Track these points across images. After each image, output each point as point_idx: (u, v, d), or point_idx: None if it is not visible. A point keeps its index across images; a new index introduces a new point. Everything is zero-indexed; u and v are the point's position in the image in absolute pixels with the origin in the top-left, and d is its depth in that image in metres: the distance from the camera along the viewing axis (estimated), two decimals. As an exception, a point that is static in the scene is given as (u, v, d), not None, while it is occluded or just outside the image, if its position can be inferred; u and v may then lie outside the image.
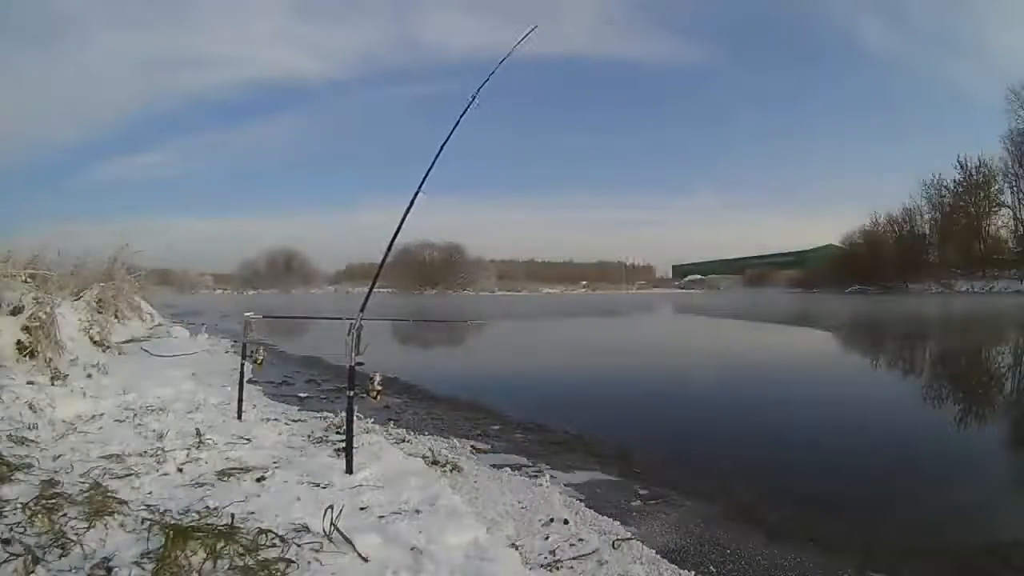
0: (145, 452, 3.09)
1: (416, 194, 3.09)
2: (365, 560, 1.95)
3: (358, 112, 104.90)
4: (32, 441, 3.20)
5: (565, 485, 3.16)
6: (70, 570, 1.78)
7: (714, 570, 2.28)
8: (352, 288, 58.96)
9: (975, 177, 45.68)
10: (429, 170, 3.15)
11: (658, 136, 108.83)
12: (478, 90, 3.26)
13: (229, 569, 1.81)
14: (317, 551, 1.97)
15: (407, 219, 3.10)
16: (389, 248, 3.21)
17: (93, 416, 3.89)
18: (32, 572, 1.74)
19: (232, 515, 2.19)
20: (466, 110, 3.25)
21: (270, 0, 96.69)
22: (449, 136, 3.23)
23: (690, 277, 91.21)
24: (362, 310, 2.86)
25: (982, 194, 45.55)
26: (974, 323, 17.87)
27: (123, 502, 2.27)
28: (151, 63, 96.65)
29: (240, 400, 4.11)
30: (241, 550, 1.90)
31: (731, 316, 23.31)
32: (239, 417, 3.99)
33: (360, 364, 2.86)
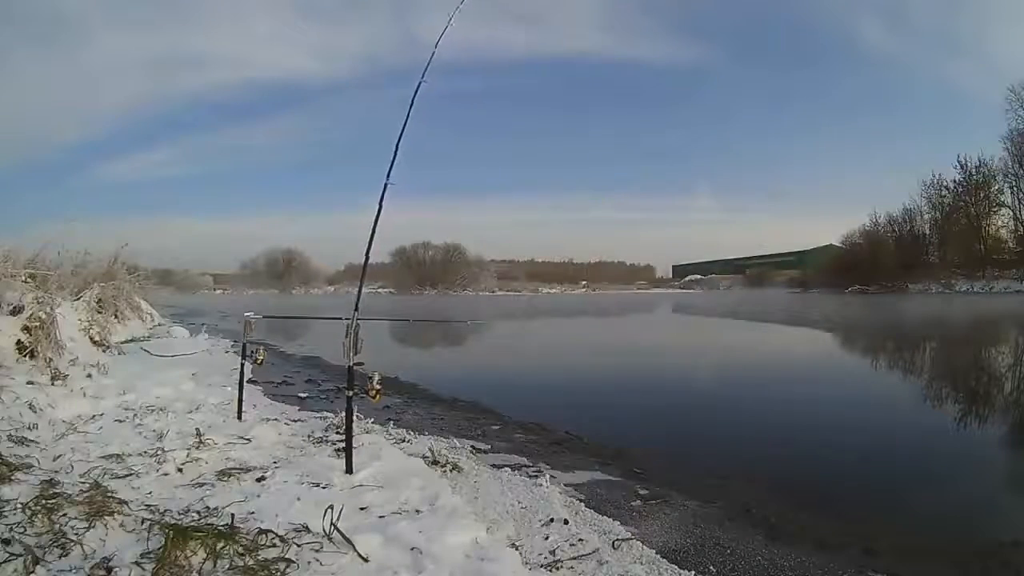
0: (145, 452, 3.09)
1: (385, 186, 3.12)
2: (365, 560, 1.95)
3: (358, 112, 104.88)
4: (32, 441, 3.20)
5: (565, 485, 3.15)
6: (70, 570, 1.78)
7: (714, 570, 2.27)
8: (352, 288, 58.91)
9: (975, 177, 45.56)
10: (393, 160, 3.18)
11: (658, 136, 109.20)
12: (425, 70, 3.35)
13: (229, 569, 1.81)
14: (317, 551, 1.97)
15: (382, 212, 3.14)
16: (370, 242, 3.20)
17: (93, 416, 3.90)
18: (32, 572, 1.74)
19: (232, 515, 2.19)
20: (416, 91, 3.32)
21: (270, 0, 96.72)
22: (405, 124, 3.28)
23: (690, 277, 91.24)
24: (356, 309, 2.86)
25: (982, 194, 45.43)
26: (974, 323, 17.86)
27: (123, 502, 2.27)
28: (151, 63, 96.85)
29: (240, 400, 4.11)
30: (241, 550, 1.90)
31: (730, 316, 23.30)
32: (239, 417, 3.99)
33: (360, 364, 2.86)
